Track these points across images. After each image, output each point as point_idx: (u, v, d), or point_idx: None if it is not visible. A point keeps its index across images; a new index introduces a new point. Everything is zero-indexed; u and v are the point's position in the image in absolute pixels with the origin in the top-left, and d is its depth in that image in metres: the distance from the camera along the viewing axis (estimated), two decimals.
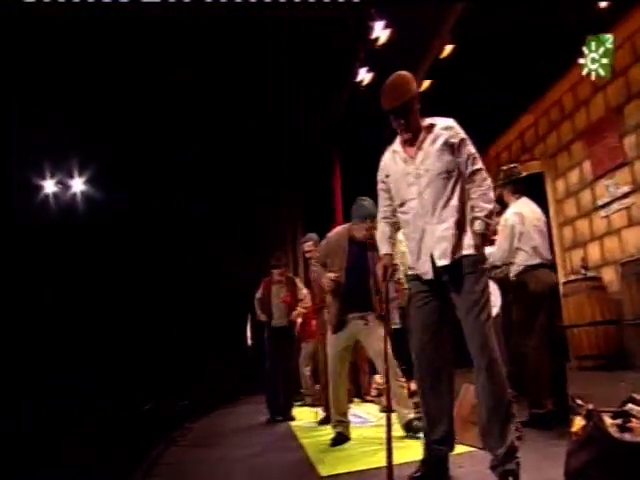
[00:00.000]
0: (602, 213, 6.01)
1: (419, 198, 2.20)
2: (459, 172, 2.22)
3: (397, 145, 2.34)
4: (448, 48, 7.44)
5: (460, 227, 2.15)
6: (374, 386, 5.22)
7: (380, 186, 2.41)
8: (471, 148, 2.25)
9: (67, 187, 9.37)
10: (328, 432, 3.81)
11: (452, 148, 2.22)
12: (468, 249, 2.13)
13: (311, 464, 3.06)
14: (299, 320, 5.27)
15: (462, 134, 2.24)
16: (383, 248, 2.39)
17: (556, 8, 5.40)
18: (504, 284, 3.47)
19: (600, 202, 6.02)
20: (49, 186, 9.31)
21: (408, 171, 2.25)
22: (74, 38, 5.19)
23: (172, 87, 6.80)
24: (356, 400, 5.50)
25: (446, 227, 2.15)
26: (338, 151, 9.51)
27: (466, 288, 2.10)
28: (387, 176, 2.36)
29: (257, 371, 9.74)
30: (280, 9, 5.13)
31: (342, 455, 3.22)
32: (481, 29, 6.76)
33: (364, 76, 7.98)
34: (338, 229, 3.73)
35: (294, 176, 10.83)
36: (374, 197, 9.16)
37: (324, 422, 4.35)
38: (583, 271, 5.95)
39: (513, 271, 3.13)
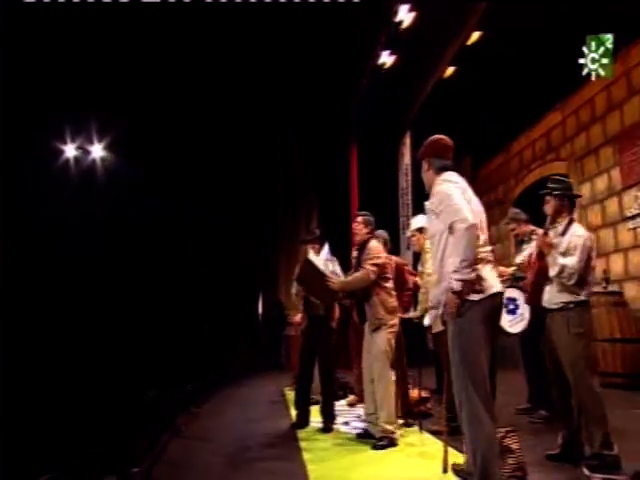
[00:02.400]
0: (629, 225, 5.97)
1: None
2: (443, 232, 2.42)
3: None
4: (475, 35, 7.33)
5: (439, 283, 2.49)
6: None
7: None
8: (449, 205, 2.37)
9: (87, 152, 9.59)
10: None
11: (435, 213, 2.45)
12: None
13: None
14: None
15: (441, 200, 2.43)
16: None
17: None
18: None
19: (628, 213, 5.97)
20: (69, 150, 9.48)
21: None
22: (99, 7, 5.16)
23: (188, 62, 6.82)
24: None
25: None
26: (355, 136, 9.42)
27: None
28: None
29: (267, 349, 10.21)
30: None
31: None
32: (512, 16, 6.65)
33: (386, 59, 7.91)
34: None
35: (309, 173, 10.78)
36: (387, 185, 9.00)
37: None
38: (604, 284, 5.93)
39: (572, 297, 2.96)
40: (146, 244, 9.57)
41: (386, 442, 3.59)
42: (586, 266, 2.95)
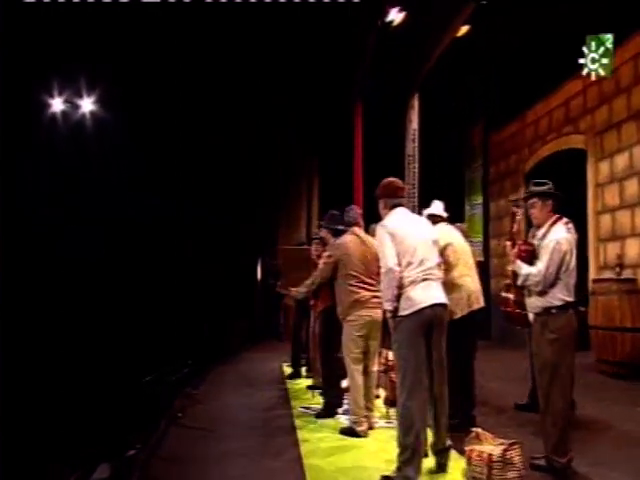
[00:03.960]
0: None
1: None
2: None
3: None
4: None
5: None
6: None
7: None
8: (379, 249, 3.14)
9: (76, 106, 9.34)
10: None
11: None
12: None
13: None
14: None
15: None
16: None
17: None
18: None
19: None
20: (57, 104, 9.25)
21: None
22: None
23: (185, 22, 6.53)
24: None
25: None
26: (360, 99, 9.10)
27: None
28: None
29: (265, 319, 10.40)
30: None
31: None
32: None
33: (394, 16, 7.53)
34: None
35: (309, 129, 10.51)
36: (393, 151, 8.78)
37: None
38: (617, 269, 5.88)
39: (547, 303, 3.03)
40: (140, 215, 9.50)
41: (348, 431, 3.91)
42: (558, 271, 2.98)
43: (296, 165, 11.50)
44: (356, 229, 4.16)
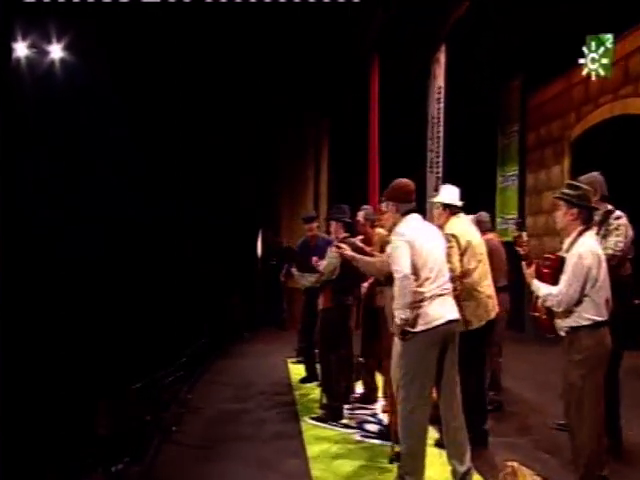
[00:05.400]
0: None
1: None
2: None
3: None
4: None
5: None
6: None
7: None
8: (394, 254, 3.23)
9: (43, 53, 9.11)
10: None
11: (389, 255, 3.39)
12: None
13: None
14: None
15: (392, 249, 3.28)
16: None
17: None
18: None
19: None
20: (20, 49, 8.92)
21: None
22: None
23: None
24: None
25: None
26: (378, 52, 8.68)
27: None
28: None
29: (266, 304, 10.31)
30: None
31: None
32: None
33: None
34: None
35: (317, 86, 10.10)
36: (414, 112, 8.42)
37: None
38: None
39: (573, 322, 3.09)
40: (130, 182, 9.26)
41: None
42: (582, 288, 3.02)
43: (302, 126, 11.13)
44: None
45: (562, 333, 3.17)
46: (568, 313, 3.06)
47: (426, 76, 9.23)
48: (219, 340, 8.30)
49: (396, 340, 3.79)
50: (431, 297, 3.18)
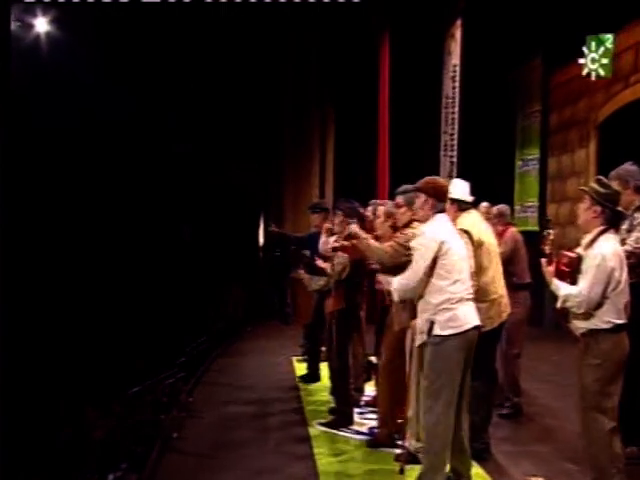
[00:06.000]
0: None
1: None
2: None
3: None
4: None
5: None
6: None
7: None
8: (418, 255, 3.29)
9: (28, 26, 9.13)
10: None
11: (414, 249, 3.40)
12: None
13: None
14: None
15: (417, 249, 3.32)
16: None
17: None
18: None
19: None
20: None
21: None
22: None
23: None
24: None
25: None
26: (389, 27, 8.57)
27: None
28: None
29: (268, 297, 10.29)
30: None
31: None
32: None
33: None
34: None
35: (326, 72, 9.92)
36: (427, 92, 8.37)
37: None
38: None
39: (592, 325, 3.11)
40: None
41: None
42: (604, 290, 3.04)
43: (308, 109, 11.03)
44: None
45: (578, 332, 3.19)
46: (588, 315, 3.07)
47: (440, 53, 9.15)
48: (220, 336, 8.26)
49: (413, 345, 3.70)
50: (460, 300, 3.23)
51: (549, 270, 3.27)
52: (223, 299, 9.81)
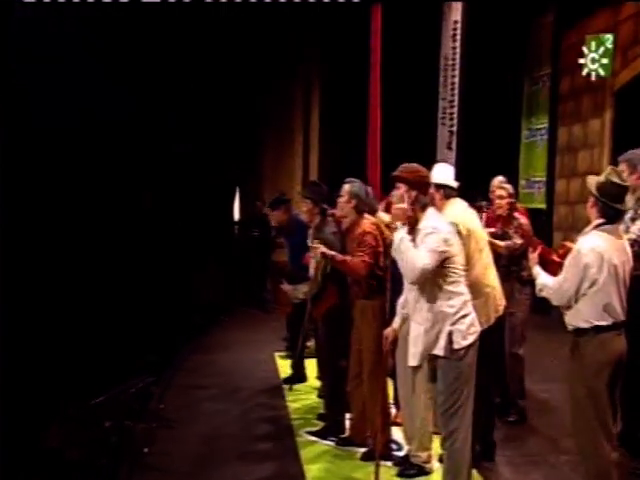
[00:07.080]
0: None
1: None
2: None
3: None
4: None
5: None
6: None
7: None
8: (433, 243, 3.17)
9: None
10: None
11: (422, 240, 3.27)
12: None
13: None
14: None
15: (428, 236, 3.19)
16: None
17: None
18: None
19: None
20: None
21: None
22: None
23: None
24: None
25: None
26: None
27: None
28: None
29: (246, 281, 10.23)
30: None
31: None
32: None
33: None
34: None
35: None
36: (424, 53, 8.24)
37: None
38: None
39: (574, 321, 3.22)
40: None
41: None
42: (578, 287, 3.14)
43: (292, 71, 10.87)
44: None
45: (568, 327, 3.33)
46: (567, 309, 3.21)
47: (439, 8, 8.90)
48: (191, 327, 8.15)
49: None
50: (469, 299, 3.30)
51: (533, 256, 3.44)
52: (194, 280, 9.62)
